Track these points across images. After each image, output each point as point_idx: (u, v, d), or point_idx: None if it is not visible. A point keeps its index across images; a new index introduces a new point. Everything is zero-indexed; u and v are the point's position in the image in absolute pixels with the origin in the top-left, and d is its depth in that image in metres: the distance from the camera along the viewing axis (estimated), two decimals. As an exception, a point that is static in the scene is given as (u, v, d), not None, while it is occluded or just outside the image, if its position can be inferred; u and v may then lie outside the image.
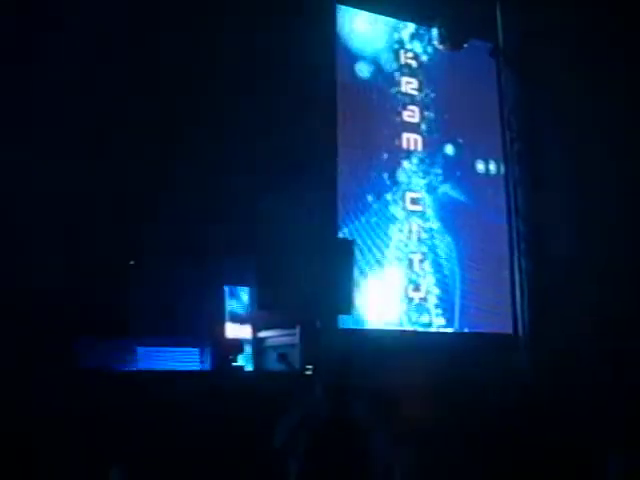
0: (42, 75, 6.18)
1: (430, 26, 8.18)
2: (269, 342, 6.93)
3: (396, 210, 8.02)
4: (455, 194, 8.42)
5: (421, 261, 8.05)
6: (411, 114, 8.31)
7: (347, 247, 6.64)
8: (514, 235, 8.57)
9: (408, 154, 8.21)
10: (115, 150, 6.40)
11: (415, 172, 8.22)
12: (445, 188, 8.38)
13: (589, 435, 4.95)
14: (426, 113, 8.38)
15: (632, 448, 4.53)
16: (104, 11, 6.34)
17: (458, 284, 8.22)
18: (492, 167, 8.77)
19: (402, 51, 8.39)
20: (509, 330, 8.26)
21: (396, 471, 3.93)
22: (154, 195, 6.53)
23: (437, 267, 8.15)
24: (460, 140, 8.54)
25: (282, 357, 6.08)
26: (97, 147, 6.36)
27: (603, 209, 7.65)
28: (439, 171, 8.38)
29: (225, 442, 5.30)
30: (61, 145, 6.18)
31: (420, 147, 8.29)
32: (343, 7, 8.03)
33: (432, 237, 8.18)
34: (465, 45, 8.10)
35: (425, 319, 7.94)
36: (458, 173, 8.51)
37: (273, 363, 6.58)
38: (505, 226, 8.64)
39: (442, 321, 8.04)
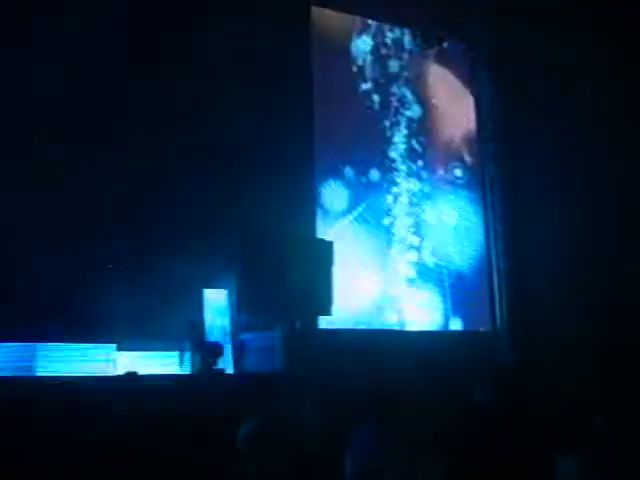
0: (41, 74, 6.13)
1: (406, 26, 8.24)
2: (249, 344, 6.90)
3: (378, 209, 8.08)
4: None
5: (402, 260, 8.08)
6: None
7: (326, 248, 6.63)
8: (491, 235, 8.63)
9: (386, 155, 8.26)
10: (100, 150, 6.36)
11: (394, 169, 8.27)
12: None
13: (569, 432, 4.97)
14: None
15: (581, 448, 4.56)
16: (104, 11, 6.32)
17: (438, 282, 8.27)
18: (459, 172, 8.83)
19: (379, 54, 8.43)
20: (488, 327, 8.32)
21: (387, 472, 3.94)
22: (134, 199, 6.49)
23: (416, 266, 8.17)
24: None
25: None
26: (83, 147, 6.32)
27: (580, 207, 7.71)
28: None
29: (206, 444, 5.28)
30: (47, 145, 6.14)
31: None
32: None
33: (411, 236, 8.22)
34: (441, 45, 8.18)
35: (404, 318, 7.96)
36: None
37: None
38: (482, 226, 8.71)
39: (424, 319, 8.07)
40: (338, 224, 7.75)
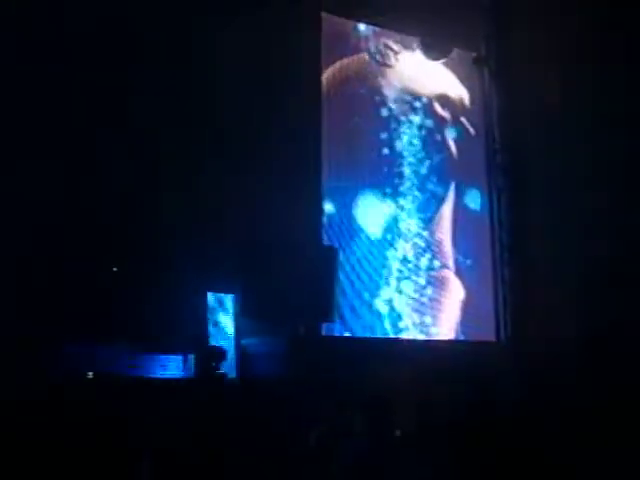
0: (38, 73, 6.15)
1: (415, 35, 8.25)
2: (253, 349, 6.89)
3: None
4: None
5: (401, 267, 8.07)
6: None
7: (330, 254, 6.64)
8: (497, 245, 8.62)
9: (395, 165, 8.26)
10: (100, 152, 6.36)
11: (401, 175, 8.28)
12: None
13: (570, 441, 4.98)
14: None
15: None
16: (100, 13, 6.35)
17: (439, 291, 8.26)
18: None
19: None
20: (492, 338, 8.31)
21: (385, 474, 3.95)
22: (139, 199, 6.49)
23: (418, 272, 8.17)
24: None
25: None
26: (82, 149, 6.32)
27: (587, 219, 7.69)
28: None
29: (208, 449, 5.28)
30: (44, 145, 6.14)
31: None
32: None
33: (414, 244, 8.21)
34: (449, 55, 8.19)
35: (406, 326, 7.94)
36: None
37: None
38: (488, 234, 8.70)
39: (425, 329, 8.05)
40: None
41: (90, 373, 5.85)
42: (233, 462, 5.06)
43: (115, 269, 6.46)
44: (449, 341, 8.12)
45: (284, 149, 7.10)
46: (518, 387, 6.83)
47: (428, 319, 8.05)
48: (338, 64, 8.07)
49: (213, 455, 5.23)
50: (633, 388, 6.13)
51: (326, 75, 7.92)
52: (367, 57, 8.30)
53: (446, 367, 6.85)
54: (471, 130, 8.83)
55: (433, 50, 8.37)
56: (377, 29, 8.38)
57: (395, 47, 8.44)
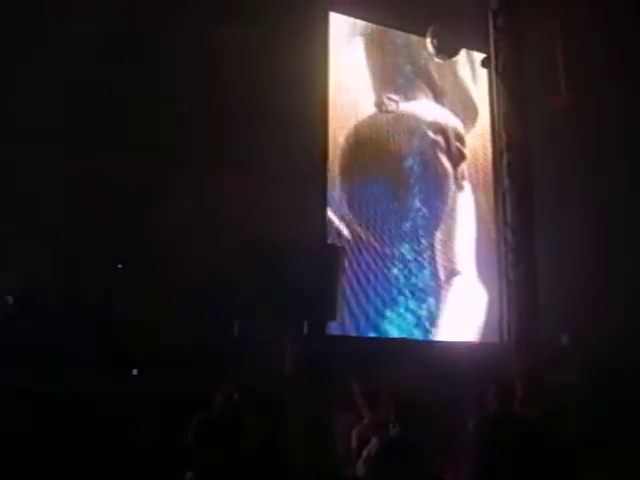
0: (40, 74, 6.17)
1: (423, 36, 8.25)
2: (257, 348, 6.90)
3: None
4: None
5: (407, 269, 8.08)
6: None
7: (335, 253, 6.64)
8: (502, 246, 8.60)
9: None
10: (118, 149, 6.40)
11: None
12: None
13: (573, 442, 4.98)
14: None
15: None
16: (103, 12, 6.37)
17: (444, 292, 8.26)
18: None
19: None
20: (496, 339, 8.31)
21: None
22: (142, 199, 6.53)
23: (423, 275, 8.17)
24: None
25: None
26: (108, 144, 6.36)
27: (591, 220, 7.69)
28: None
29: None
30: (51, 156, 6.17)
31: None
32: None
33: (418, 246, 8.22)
34: (457, 55, 8.19)
35: (412, 327, 7.95)
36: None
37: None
38: (493, 237, 8.70)
39: (430, 330, 8.06)
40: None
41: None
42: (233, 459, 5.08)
43: (120, 266, 6.50)
44: (454, 342, 8.13)
45: (288, 150, 7.11)
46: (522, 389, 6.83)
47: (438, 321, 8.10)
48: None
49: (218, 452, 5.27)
50: (634, 387, 6.13)
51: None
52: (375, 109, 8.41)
53: (449, 367, 6.85)
54: (466, 152, 8.90)
55: (442, 51, 8.36)
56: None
57: (395, 97, 8.50)
